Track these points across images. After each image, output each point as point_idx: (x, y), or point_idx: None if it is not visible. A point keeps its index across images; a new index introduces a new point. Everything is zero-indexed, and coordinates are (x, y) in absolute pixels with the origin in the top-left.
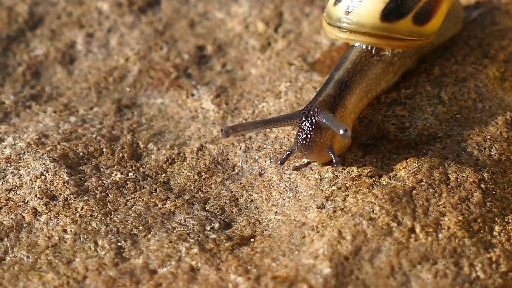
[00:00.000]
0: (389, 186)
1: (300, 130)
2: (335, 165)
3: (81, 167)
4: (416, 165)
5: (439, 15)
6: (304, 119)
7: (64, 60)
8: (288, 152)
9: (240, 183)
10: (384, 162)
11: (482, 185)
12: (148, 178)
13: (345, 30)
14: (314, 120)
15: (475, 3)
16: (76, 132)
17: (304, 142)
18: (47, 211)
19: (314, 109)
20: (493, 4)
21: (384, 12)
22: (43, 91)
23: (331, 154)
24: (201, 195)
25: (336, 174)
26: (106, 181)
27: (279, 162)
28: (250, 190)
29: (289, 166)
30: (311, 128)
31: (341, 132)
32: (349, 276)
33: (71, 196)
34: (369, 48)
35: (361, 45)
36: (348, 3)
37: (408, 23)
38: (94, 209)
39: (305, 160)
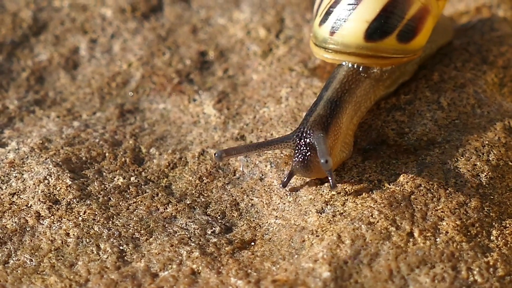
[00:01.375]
0: (388, 190)
1: (296, 152)
2: (331, 187)
3: (84, 172)
4: (415, 170)
5: (424, 32)
6: (298, 140)
7: (67, 66)
8: (290, 175)
9: (241, 188)
10: (383, 167)
11: (480, 190)
12: (150, 183)
13: (331, 51)
14: (308, 141)
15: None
16: (79, 137)
17: (302, 163)
18: (50, 215)
19: (307, 131)
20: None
21: (368, 31)
22: (47, 96)
23: (328, 176)
24: (202, 199)
25: (336, 178)
26: (109, 186)
27: (281, 185)
28: (251, 195)
29: (289, 170)
30: (307, 149)
31: (322, 161)
32: (348, 280)
33: (74, 200)
34: (355, 67)
35: (347, 64)
36: (332, 23)
37: (393, 42)
38: (96, 213)
39: None
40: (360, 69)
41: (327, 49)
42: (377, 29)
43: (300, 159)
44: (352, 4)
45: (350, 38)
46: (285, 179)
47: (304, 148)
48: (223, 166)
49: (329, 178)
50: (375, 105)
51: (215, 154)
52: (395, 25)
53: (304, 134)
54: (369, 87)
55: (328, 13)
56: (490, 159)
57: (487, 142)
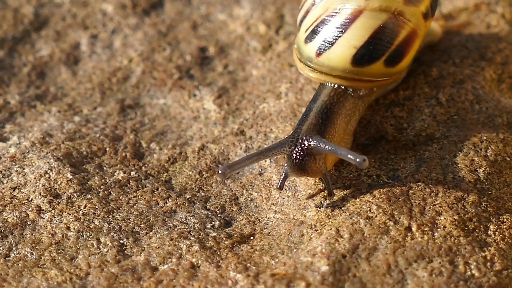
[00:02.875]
0: (386, 185)
1: (291, 157)
2: (328, 195)
3: (84, 166)
4: (414, 165)
5: (411, 53)
6: (294, 147)
7: (68, 61)
8: (283, 176)
9: (241, 182)
10: (382, 162)
11: (478, 185)
12: (150, 177)
13: (316, 71)
14: (304, 146)
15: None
16: (80, 132)
17: (299, 166)
18: (50, 209)
19: (303, 137)
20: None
21: (355, 57)
22: (48, 91)
23: (326, 183)
24: (202, 194)
25: (335, 173)
26: (109, 180)
27: (277, 187)
28: (250, 189)
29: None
30: (304, 154)
31: (358, 160)
32: (346, 273)
33: (75, 194)
34: (341, 87)
35: (332, 85)
36: (319, 45)
37: (379, 67)
38: (97, 207)
39: None
40: (345, 88)
41: (313, 69)
42: (364, 55)
43: (297, 163)
44: (340, 27)
45: (337, 62)
46: (280, 181)
47: (301, 152)
48: (223, 161)
49: (327, 185)
50: (374, 101)
51: (218, 172)
52: (383, 51)
53: (300, 140)
54: (356, 101)
55: (314, 32)
56: (488, 154)
57: (485, 138)
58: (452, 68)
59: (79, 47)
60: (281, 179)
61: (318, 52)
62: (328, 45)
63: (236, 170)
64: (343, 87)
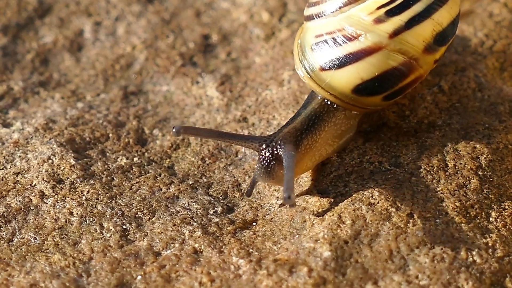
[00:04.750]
0: (388, 172)
1: (260, 157)
2: (291, 205)
3: (87, 152)
4: (416, 152)
5: (409, 91)
6: (265, 147)
7: (72, 48)
8: (253, 183)
9: (243, 169)
10: (384, 149)
11: (479, 172)
12: (153, 163)
13: (313, 82)
14: (275, 151)
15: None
16: (83, 118)
17: (264, 171)
18: (54, 194)
19: (277, 141)
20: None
21: (358, 87)
22: (51, 77)
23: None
24: (205, 180)
25: (337, 160)
26: (112, 166)
27: (246, 195)
28: (253, 175)
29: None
30: (272, 158)
31: (285, 195)
32: (348, 259)
33: (78, 180)
34: (333, 103)
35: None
36: (326, 60)
37: (377, 100)
38: (99, 192)
39: None
40: (336, 105)
41: (311, 77)
42: (367, 88)
43: (264, 166)
44: (355, 55)
45: (339, 85)
46: (249, 187)
47: (270, 156)
48: (226, 147)
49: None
50: None
51: (173, 128)
52: (387, 89)
53: (273, 143)
54: (346, 115)
55: (325, 44)
56: (490, 142)
57: (487, 126)
58: (454, 56)
59: (82, 34)
60: (250, 186)
61: (323, 67)
62: (336, 66)
63: (191, 135)
64: (335, 105)
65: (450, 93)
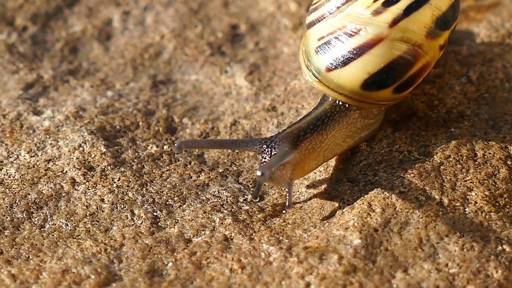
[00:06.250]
0: (418, 161)
1: (261, 159)
2: (287, 206)
3: (117, 140)
4: (445, 141)
5: (419, 82)
6: (265, 148)
7: (100, 37)
8: (258, 185)
9: None
10: (413, 138)
11: (508, 162)
12: (183, 151)
13: (322, 85)
14: (273, 152)
15: None
16: (113, 106)
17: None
18: (85, 181)
19: (277, 141)
20: None
21: (366, 81)
22: (81, 66)
23: (287, 193)
24: (234, 168)
25: (366, 149)
26: (142, 154)
27: (253, 197)
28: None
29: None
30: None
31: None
32: (378, 247)
33: (108, 167)
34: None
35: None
36: (331, 60)
37: (387, 93)
38: (130, 180)
39: None
40: (348, 105)
41: (319, 80)
42: (375, 82)
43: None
44: (357, 50)
45: (347, 82)
46: (255, 190)
47: (269, 157)
48: (255, 135)
49: (287, 195)
50: None
51: (175, 144)
52: (395, 80)
53: (273, 144)
54: (358, 117)
55: (328, 44)
56: None
57: None
58: (482, 47)
59: (111, 24)
60: (256, 189)
61: (329, 67)
62: (341, 64)
63: (192, 148)
64: (347, 104)
65: (478, 83)
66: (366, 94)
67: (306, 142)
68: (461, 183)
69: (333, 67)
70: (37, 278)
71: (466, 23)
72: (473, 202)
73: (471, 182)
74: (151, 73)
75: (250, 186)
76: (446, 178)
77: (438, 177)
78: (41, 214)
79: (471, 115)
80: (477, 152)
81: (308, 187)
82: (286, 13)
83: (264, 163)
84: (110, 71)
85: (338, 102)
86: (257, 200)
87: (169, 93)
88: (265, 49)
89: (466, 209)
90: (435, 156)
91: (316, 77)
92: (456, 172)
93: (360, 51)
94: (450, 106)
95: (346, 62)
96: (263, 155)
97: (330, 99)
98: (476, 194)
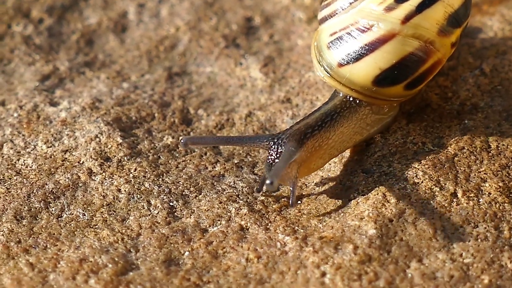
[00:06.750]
0: (432, 152)
1: (268, 155)
2: (290, 204)
3: (134, 131)
4: (458, 133)
5: (431, 78)
6: (272, 145)
7: (116, 29)
8: (262, 180)
9: None
10: (427, 130)
11: None
12: (189, 147)
13: (334, 80)
14: (279, 150)
15: None
16: (128, 98)
17: (269, 169)
18: (101, 172)
19: (284, 138)
20: None
21: (378, 77)
22: (96, 58)
23: (291, 192)
24: (250, 159)
25: (381, 140)
26: (158, 144)
27: (256, 191)
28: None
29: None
30: (276, 156)
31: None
32: (393, 237)
33: (125, 158)
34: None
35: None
36: (343, 56)
37: (399, 89)
38: (146, 170)
39: None
40: (359, 101)
41: (330, 76)
42: (387, 78)
43: (269, 165)
44: (369, 46)
45: (359, 78)
46: (259, 184)
47: (275, 154)
48: (270, 127)
49: (291, 194)
50: None
51: (181, 140)
52: (407, 77)
53: (280, 141)
54: (369, 113)
55: (340, 40)
56: None
57: None
58: (495, 40)
59: (126, 16)
60: (260, 184)
61: (341, 63)
62: (353, 59)
63: (198, 145)
64: (357, 100)
65: (492, 75)
66: (377, 90)
67: (312, 140)
68: (475, 174)
69: (345, 63)
70: (55, 267)
71: (479, 16)
72: (487, 193)
73: (485, 173)
74: (166, 65)
75: None
76: (460, 169)
77: (452, 168)
78: (58, 204)
79: (485, 107)
80: (490, 144)
81: (323, 177)
82: (301, 5)
83: (272, 173)
84: (126, 63)
85: (349, 98)
86: (260, 193)
87: (184, 85)
88: (280, 41)
89: (480, 200)
90: (449, 148)
91: (327, 72)
92: (470, 163)
93: (372, 47)
94: (464, 98)
95: (358, 57)
96: (270, 151)
97: (341, 95)
98: (490, 185)
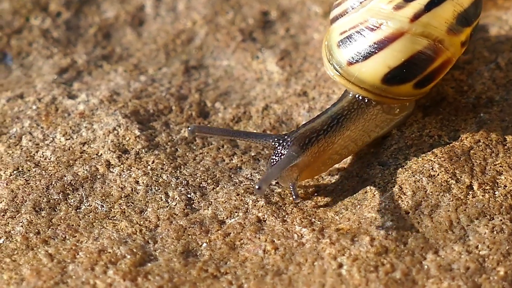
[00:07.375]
0: (448, 145)
1: (273, 155)
2: (293, 198)
3: (151, 123)
4: (474, 126)
5: (440, 78)
6: (277, 145)
7: (133, 23)
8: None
9: None
10: (443, 123)
11: None
12: (195, 135)
13: (343, 79)
14: (283, 152)
15: None
16: (146, 91)
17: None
18: (119, 164)
19: (288, 140)
20: None
21: (387, 76)
22: (114, 51)
23: (291, 189)
24: (266, 151)
25: (397, 133)
26: (176, 137)
27: (256, 187)
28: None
29: None
30: (279, 158)
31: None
32: (409, 229)
33: (143, 150)
34: (365, 99)
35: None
36: (353, 54)
37: (408, 88)
38: (164, 162)
39: None
40: (367, 101)
41: (340, 74)
42: (396, 76)
43: (272, 164)
44: (378, 44)
45: (368, 76)
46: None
47: (279, 155)
48: (286, 120)
49: (292, 192)
50: None
51: (188, 128)
52: (416, 75)
53: (284, 143)
54: (378, 112)
55: (350, 39)
56: None
57: None
58: (510, 34)
59: (143, 10)
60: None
61: (350, 61)
62: (362, 58)
63: (205, 134)
64: (366, 100)
65: (507, 69)
66: (386, 89)
67: (317, 145)
68: (490, 167)
69: (354, 61)
70: (74, 258)
71: (495, 10)
72: (503, 185)
73: (500, 166)
74: (183, 59)
75: None
76: (475, 162)
77: (468, 161)
78: (77, 195)
79: (500, 101)
80: (506, 137)
81: (339, 170)
82: (316, 0)
83: (262, 179)
84: (143, 56)
85: (358, 97)
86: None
87: (201, 78)
88: (296, 35)
89: (495, 192)
90: (464, 141)
91: (337, 71)
92: (485, 156)
93: (381, 45)
94: (479, 92)
95: (367, 56)
96: (274, 151)
97: (350, 95)
98: (505, 178)
